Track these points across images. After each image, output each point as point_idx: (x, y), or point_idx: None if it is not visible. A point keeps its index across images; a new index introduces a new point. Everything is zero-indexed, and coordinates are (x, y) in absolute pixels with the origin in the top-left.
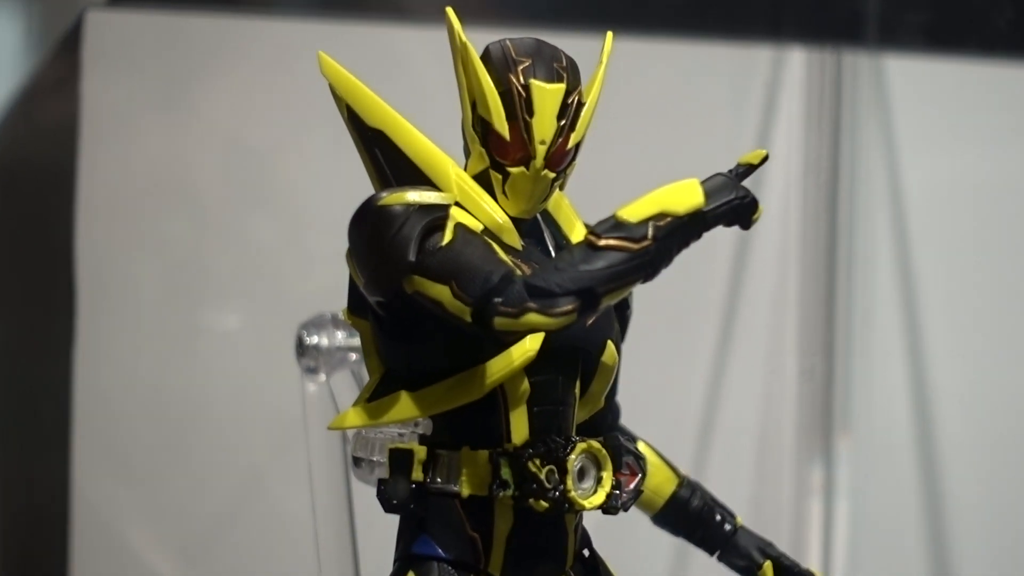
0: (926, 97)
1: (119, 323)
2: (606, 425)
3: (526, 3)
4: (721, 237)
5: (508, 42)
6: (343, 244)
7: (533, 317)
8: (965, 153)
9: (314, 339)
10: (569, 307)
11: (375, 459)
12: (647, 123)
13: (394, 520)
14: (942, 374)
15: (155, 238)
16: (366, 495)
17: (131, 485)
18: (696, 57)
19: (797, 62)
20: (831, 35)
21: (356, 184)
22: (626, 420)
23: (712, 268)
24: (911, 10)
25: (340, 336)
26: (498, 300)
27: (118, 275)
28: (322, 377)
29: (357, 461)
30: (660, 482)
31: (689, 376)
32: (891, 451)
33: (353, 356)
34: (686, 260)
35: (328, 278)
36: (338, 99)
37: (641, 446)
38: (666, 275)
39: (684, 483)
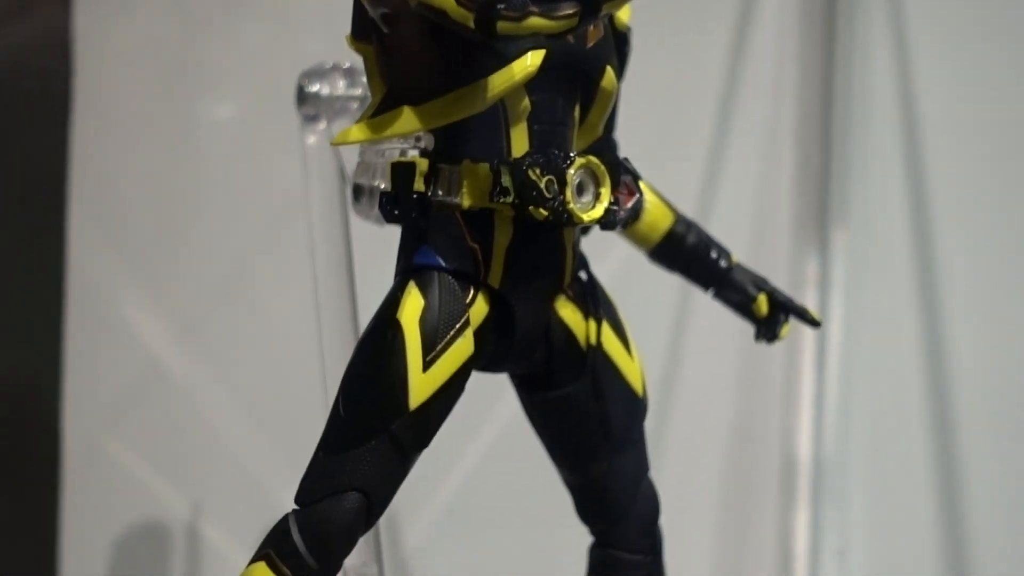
0: None
1: (114, 116)
2: (603, 154)
3: None
4: (721, 16)
5: None
6: (333, 42)
7: (535, 20)
8: None
9: (315, 87)
10: (571, 10)
11: (377, 184)
12: None
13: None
14: (942, 170)
15: (149, 37)
16: (365, 231)
17: (129, 261)
18: None
19: None
20: None
21: None
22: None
23: (710, 53)
24: None
25: (341, 85)
26: (501, 5)
27: (113, 72)
28: (322, 125)
29: (358, 193)
30: (657, 217)
31: (684, 163)
32: (887, 244)
33: (354, 105)
34: (685, 35)
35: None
36: None
37: (640, 184)
38: (665, 48)
39: (680, 220)
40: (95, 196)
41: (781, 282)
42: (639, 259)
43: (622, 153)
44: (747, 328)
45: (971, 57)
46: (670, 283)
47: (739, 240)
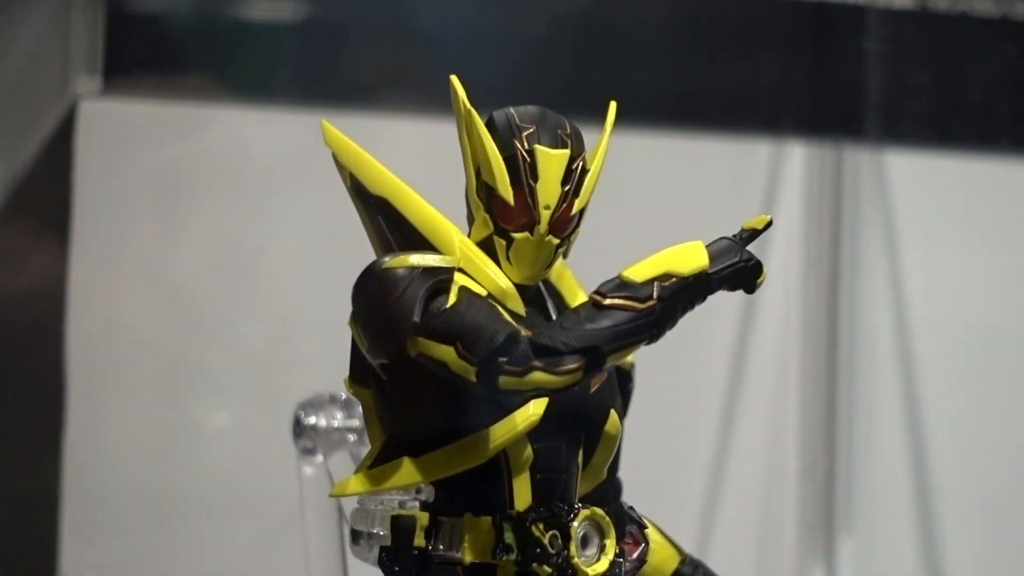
0: (927, 192)
1: (110, 420)
2: (608, 499)
3: (525, 96)
4: (720, 331)
5: (512, 110)
6: (332, 344)
7: (539, 376)
8: (966, 248)
9: (312, 419)
10: (574, 365)
11: (375, 531)
12: (645, 218)
13: None
14: (946, 473)
15: (146, 338)
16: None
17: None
18: (695, 152)
19: (797, 157)
20: (831, 130)
21: (345, 284)
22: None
23: (711, 364)
24: (911, 104)
25: (338, 416)
26: (503, 359)
27: (109, 374)
28: (319, 458)
29: (356, 537)
30: (663, 559)
31: (688, 475)
32: (895, 552)
33: (352, 437)
34: (685, 353)
35: (317, 378)
36: (341, 167)
37: (645, 521)
38: (666, 369)
39: (687, 561)
40: (87, 505)
41: None
42: None
43: (627, 490)
44: None
45: None
46: None
47: (744, 550)
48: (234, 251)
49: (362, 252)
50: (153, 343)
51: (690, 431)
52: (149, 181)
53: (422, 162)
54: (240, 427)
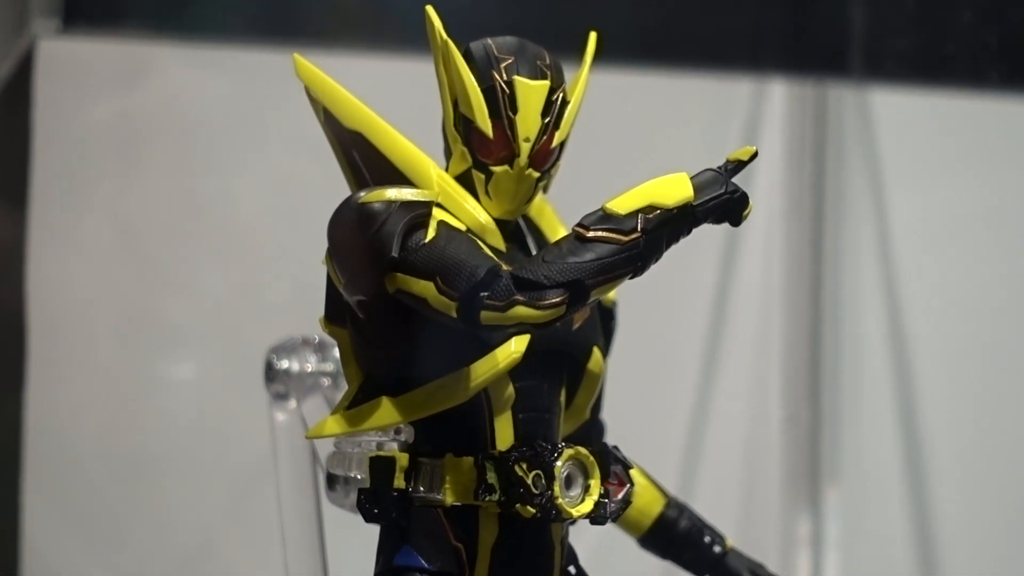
0: (913, 130)
1: (72, 375)
2: (591, 440)
3: (499, 32)
4: (702, 271)
5: (490, 40)
6: (301, 292)
7: (521, 310)
8: (951, 185)
9: (284, 363)
10: (558, 299)
11: (353, 475)
12: (625, 159)
13: (369, 551)
14: (933, 419)
15: (107, 289)
16: (338, 520)
17: (87, 538)
18: (674, 89)
19: (778, 95)
20: (814, 67)
21: (312, 230)
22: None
23: (693, 304)
24: (896, 40)
25: (312, 360)
26: (485, 294)
27: (69, 327)
28: (292, 404)
29: (332, 482)
30: (647, 502)
31: (669, 424)
32: (882, 502)
33: (326, 381)
34: (667, 292)
35: (286, 328)
36: (314, 101)
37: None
38: (648, 308)
39: (671, 503)
40: (50, 459)
41: (773, 543)
42: None
43: (610, 431)
44: None
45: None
46: None
47: (728, 497)
48: (197, 197)
49: (330, 196)
50: (115, 294)
51: (672, 372)
52: (109, 125)
53: (394, 102)
54: (207, 378)
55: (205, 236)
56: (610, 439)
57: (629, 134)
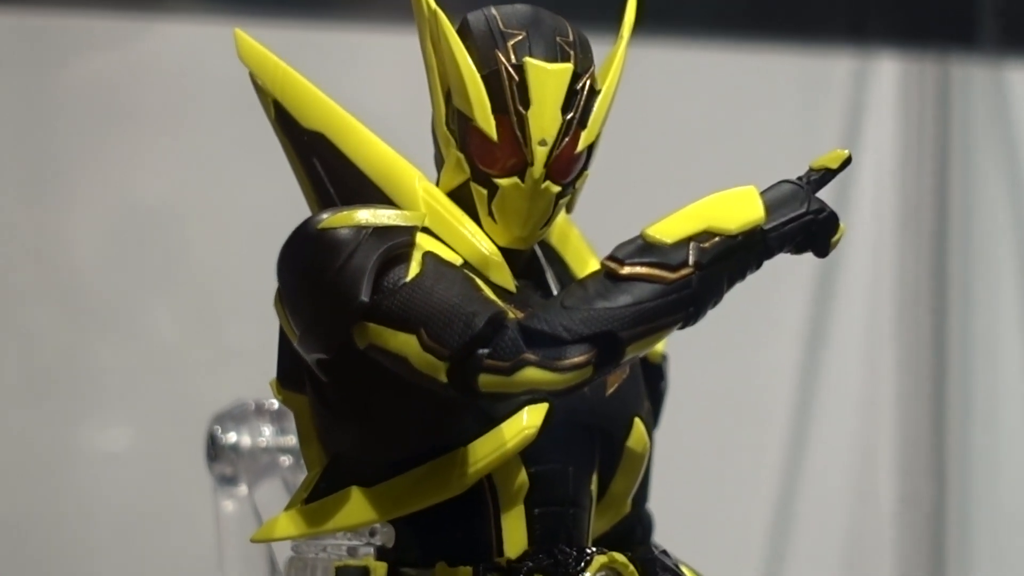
0: None
1: None
2: (634, 540)
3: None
4: (788, 313)
5: (494, 10)
6: (262, 337)
7: (532, 373)
8: None
9: (231, 437)
10: (581, 359)
11: None
12: (683, 159)
13: None
14: None
15: (24, 328)
16: None
17: None
18: (754, 68)
19: (888, 74)
20: (934, 38)
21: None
22: (671, 543)
23: (778, 354)
24: None
25: (267, 432)
26: (484, 351)
27: None
28: (243, 489)
29: None
30: None
31: (747, 502)
32: None
33: (286, 460)
34: (744, 340)
35: (242, 380)
36: (262, 93)
37: (683, 569)
38: (719, 356)
39: None
40: None
41: None
42: None
43: (663, 525)
44: None
45: None
46: None
47: None
48: (136, 213)
49: (299, 212)
50: (33, 334)
51: (749, 444)
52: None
53: (380, 84)
54: (141, 448)
55: (146, 260)
56: (664, 524)
57: (690, 127)
